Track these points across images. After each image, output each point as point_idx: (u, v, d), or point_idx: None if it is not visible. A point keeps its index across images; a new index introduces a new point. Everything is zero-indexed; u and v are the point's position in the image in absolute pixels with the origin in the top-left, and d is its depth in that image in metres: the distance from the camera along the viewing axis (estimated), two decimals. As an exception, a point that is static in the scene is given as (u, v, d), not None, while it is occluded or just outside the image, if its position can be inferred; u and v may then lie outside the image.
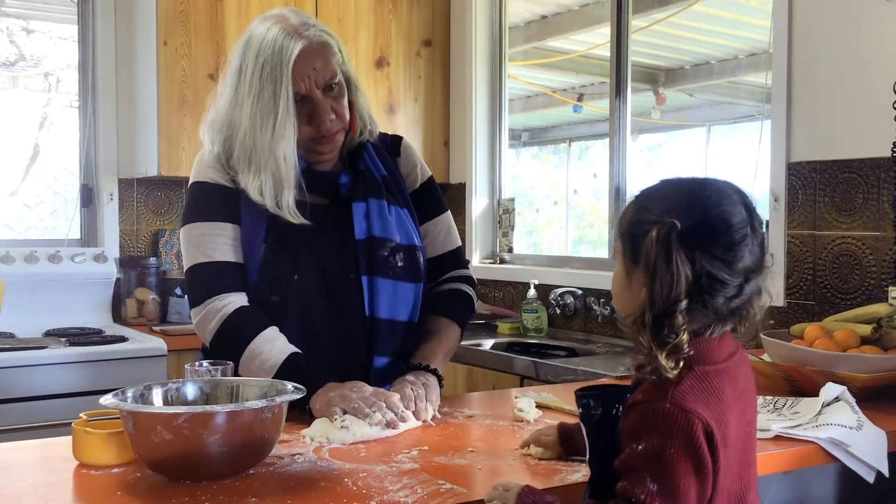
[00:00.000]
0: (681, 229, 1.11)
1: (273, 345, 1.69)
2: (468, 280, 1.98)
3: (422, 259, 1.86)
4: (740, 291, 1.15)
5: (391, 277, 1.79)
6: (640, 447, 1.10)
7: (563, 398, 1.79)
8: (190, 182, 1.83)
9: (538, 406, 1.74)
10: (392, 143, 1.96)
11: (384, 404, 1.58)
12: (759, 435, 1.52)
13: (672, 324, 1.11)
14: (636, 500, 1.08)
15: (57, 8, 3.66)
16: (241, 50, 1.74)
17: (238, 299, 1.73)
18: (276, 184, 1.72)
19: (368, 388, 1.63)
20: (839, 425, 1.56)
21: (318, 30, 1.74)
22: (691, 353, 1.13)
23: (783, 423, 1.60)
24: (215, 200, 1.77)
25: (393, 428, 1.57)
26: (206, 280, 1.74)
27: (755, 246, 1.16)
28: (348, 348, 1.78)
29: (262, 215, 1.75)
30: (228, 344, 1.71)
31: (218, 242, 1.75)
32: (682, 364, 1.11)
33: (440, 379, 1.78)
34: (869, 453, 1.53)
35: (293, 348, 1.70)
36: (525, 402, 1.69)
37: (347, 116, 1.79)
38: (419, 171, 1.97)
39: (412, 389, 1.67)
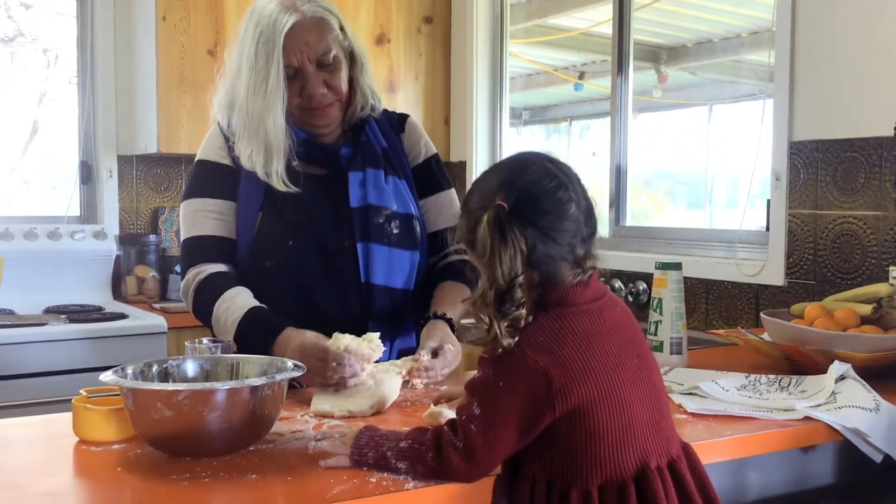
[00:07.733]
0: (508, 208, 1.21)
1: (234, 301, 1.73)
2: None
3: (419, 228, 1.88)
4: (574, 246, 1.23)
5: (386, 244, 1.82)
6: (478, 375, 1.22)
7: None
8: (195, 159, 1.90)
9: None
10: (398, 120, 2.00)
11: (346, 367, 1.56)
12: (785, 416, 1.54)
13: (513, 297, 1.20)
14: (458, 420, 1.20)
15: (55, -17, 3.64)
16: (244, 22, 1.81)
17: (213, 268, 1.79)
18: (266, 152, 1.77)
19: (323, 349, 1.58)
20: (859, 408, 1.56)
21: (315, 5, 1.78)
22: (529, 318, 1.21)
23: (804, 402, 1.59)
24: (213, 178, 1.85)
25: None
26: (190, 253, 1.83)
27: (581, 201, 1.24)
28: (344, 313, 1.80)
29: (261, 185, 1.79)
30: (202, 307, 1.78)
31: (208, 218, 1.82)
32: (516, 337, 1.19)
33: (452, 327, 1.81)
34: (884, 440, 1.53)
35: (255, 303, 1.73)
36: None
37: (344, 90, 1.82)
38: (422, 147, 1.99)
39: (440, 358, 1.71)
